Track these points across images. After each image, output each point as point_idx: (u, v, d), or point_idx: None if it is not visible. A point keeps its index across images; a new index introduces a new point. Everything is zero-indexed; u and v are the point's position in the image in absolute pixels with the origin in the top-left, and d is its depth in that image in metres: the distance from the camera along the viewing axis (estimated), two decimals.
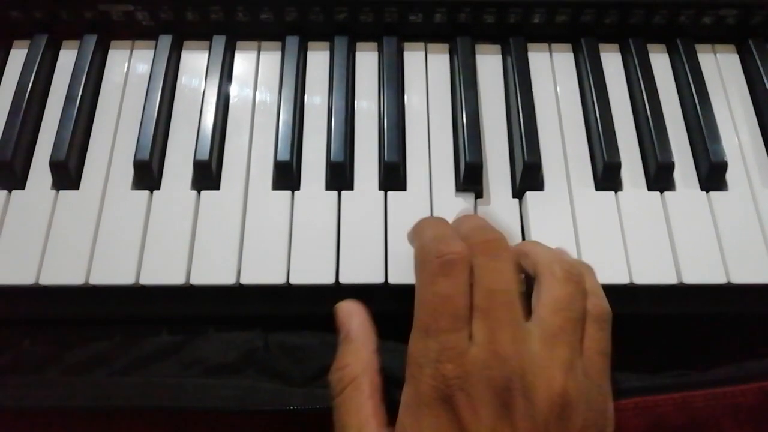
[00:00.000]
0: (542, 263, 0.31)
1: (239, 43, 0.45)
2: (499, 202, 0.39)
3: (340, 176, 0.39)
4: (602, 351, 0.30)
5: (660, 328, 0.40)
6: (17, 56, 0.44)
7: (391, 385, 0.31)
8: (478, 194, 0.40)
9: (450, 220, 0.38)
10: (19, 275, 0.36)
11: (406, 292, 0.32)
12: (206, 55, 0.43)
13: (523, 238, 0.39)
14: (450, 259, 0.29)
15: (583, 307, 0.30)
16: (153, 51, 0.43)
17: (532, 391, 0.28)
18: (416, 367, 0.29)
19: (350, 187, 0.39)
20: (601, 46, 0.44)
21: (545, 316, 0.29)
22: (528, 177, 0.39)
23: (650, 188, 0.40)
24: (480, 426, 0.27)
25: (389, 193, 0.39)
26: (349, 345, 0.32)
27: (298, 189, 0.39)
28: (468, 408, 0.27)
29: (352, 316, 0.33)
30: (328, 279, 0.37)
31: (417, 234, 0.33)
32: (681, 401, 0.36)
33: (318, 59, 0.44)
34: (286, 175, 0.39)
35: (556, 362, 0.28)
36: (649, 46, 0.44)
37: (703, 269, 0.37)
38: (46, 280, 0.36)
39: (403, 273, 0.36)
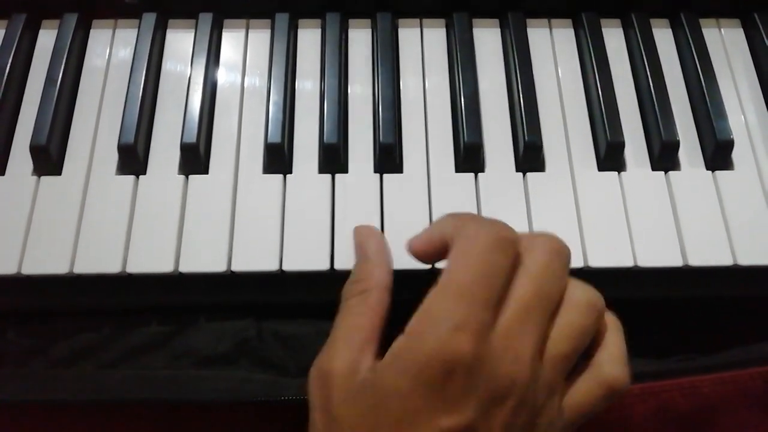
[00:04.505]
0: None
1: (226, 21, 0.43)
2: (500, 183, 0.38)
3: (333, 159, 0.38)
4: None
5: (666, 311, 0.39)
6: None
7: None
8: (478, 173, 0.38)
9: (448, 203, 0.37)
10: (1, 265, 0.35)
11: (404, 277, 0.31)
12: (192, 34, 0.42)
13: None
14: (510, 238, 0.27)
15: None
16: (136, 30, 0.42)
17: (538, 415, 0.26)
18: (429, 323, 0.25)
19: (344, 170, 0.38)
20: (603, 21, 0.43)
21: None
22: (529, 157, 0.38)
23: (654, 168, 0.39)
24: (461, 416, 0.25)
25: (385, 175, 0.38)
26: (366, 263, 0.32)
27: (290, 172, 0.38)
28: (461, 393, 0.25)
29: (370, 238, 0.34)
30: (323, 265, 0.35)
31: (470, 216, 0.31)
32: (688, 386, 0.35)
33: (309, 37, 0.43)
34: (278, 158, 0.38)
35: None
36: (652, 21, 0.43)
37: (709, 251, 0.36)
38: (29, 269, 0.35)
39: (400, 258, 0.35)
